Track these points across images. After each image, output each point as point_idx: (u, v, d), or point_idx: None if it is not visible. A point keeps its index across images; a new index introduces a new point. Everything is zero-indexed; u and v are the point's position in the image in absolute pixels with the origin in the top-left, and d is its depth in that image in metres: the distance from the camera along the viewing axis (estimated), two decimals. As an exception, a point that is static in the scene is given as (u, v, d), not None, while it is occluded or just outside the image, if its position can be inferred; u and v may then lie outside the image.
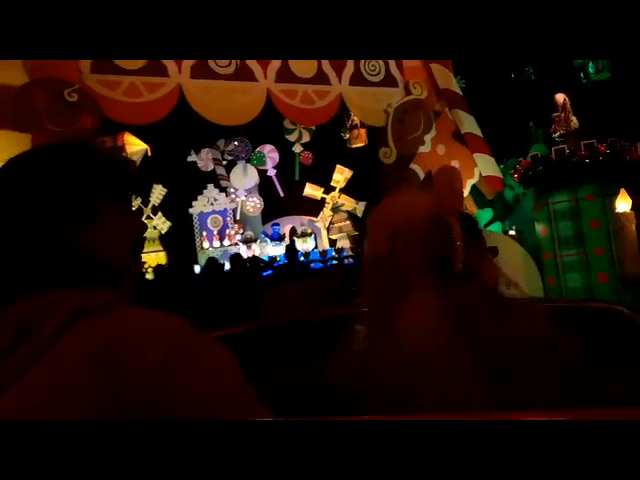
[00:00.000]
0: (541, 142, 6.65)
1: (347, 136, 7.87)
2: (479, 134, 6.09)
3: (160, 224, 7.95)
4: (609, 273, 4.25)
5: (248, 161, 8.77)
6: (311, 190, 8.54)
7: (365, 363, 0.84)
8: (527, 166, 4.70)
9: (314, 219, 8.89)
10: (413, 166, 5.60)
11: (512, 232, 6.27)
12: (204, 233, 8.93)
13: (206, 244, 8.94)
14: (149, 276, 5.09)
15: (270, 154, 8.84)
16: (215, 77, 4.43)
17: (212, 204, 9.00)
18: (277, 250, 8.26)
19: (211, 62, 4.38)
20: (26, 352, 0.52)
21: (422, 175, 5.57)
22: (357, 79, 5.20)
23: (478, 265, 0.88)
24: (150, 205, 7.76)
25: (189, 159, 8.68)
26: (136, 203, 7.17)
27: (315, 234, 8.74)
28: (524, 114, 7.01)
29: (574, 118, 4.55)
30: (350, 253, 7.87)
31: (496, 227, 6.57)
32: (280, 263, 6.96)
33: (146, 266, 5.57)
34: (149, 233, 7.48)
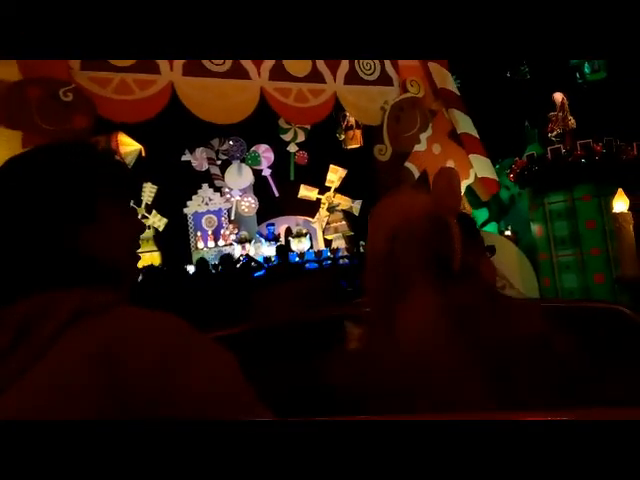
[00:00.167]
0: (537, 142, 6.64)
1: (342, 137, 7.84)
2: (475, 135, 6.07)
3: (156, 222, 7.91)
4: (605, 274, 4.22)
5: (243, 161, 8.72)
6: (306, 191, 8.51)
7: (365, 363, 0.84)
8: (523, 166, 4.67)
9: (311, 220, 8.86)
10: (408, 164, 5.56)
11: (508, 232, 6.25)
12: (198, 233, 8.88)
13: (201, 244, 8.89)
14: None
15: (265, 154, 8.79)
16: (208, 75, 4.38)
17: (207, 204, 8.96)
18: (272, 250, 8.22)
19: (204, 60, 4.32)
20: (26, 352, 0.52)
21: (417, 174, 5.54)
22: (352, 78, 5.16)
23: (476, 264, 0.89)
24: (143, 204, 7.69)
25: (183, 158, 8.62)
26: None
27: (310, 234, 8.70)
28: (520, 114, 7.00)
29: (571, 118, 4.51)
30: (345, 253, 7.85)
31: (491, 227, 6.54)
32: (272, 264, 6.91)
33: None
34: (144, 233, 7.39)
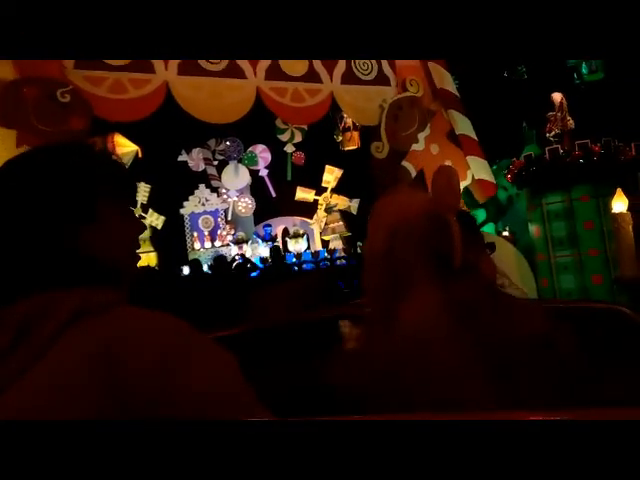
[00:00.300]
0: (534, 143, 6.62)
1: (340, 139, 7.82)
2: (474, 137, 6.05)
3: (154, 220, 7.87)
4: (603, 275, 4.20)
5: (240, 161, 8.69)
6: (303, 194, 8.49)
7: (366, 362, 0.84)
8: (520, 166, 4.64)
9: (309, 221, 8.83)
10: (405, 163, 5.54)
11: (505, 233, 6.24)
12: (195, 234, 8.85)
13: (197, 245, 8.86)
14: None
15: (262, 154, 8.77)
16: (203, 74, 4.33)
17: (203, 204, 8.93)
18: (269, 251, 8.19)
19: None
20: (26, 352, 0.52)
21: (414, 173, 5.52)
22: (349, 77, 5.11)
23: (476, 261, 0.89)
24: (139, 204, 7.65)
25: (180, 159, 8.59)
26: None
27: (307, 235, 8.68)
28: (517, 115, 6.98)
29: (570, 118, 4.49)
30: (342, 254, 7.82)
31: (489, 228, 6.52)
32: (269, 264, 6.88)
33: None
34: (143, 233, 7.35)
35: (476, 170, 5.98)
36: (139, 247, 0.70)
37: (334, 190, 8.46)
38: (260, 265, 6.32)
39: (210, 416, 0.52)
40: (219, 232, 8.81)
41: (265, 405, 0.56)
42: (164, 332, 0.55)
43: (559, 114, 4.51)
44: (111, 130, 5.91)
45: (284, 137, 8.01)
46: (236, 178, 8.79)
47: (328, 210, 8.58)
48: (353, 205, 8.35)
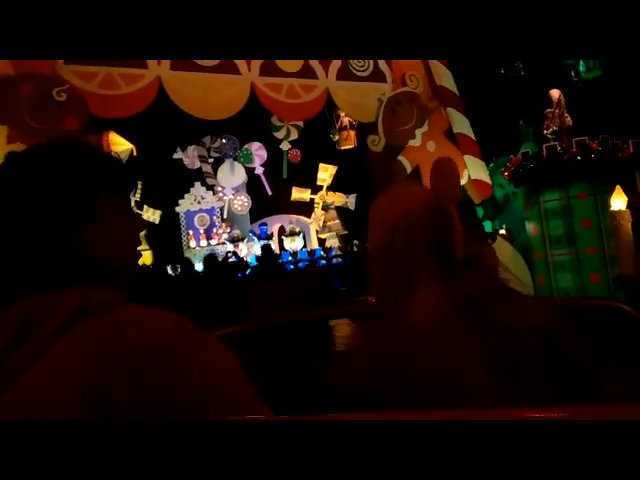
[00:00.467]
0: (531, 140, 6.59)
1: (336, 138, 7.77)
2: (472, 136, 6.02)
3: (151, 216, 7.81)
4: (601, 273, 4.17)
5: (235, 159, 8.64)
6: (298, 194, 8.45)
7: (372, 357, 0.83)
8: (518, 164, 4.61)
9: (307, 220, 8.79)
10: (401, 158, 5.50)
11: (502, 231, 6.20)
12: (190, 232, 8.79)
13: (193, 243, 8.81)
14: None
15: (258, 152, 8.71)
16: (196, 69, 4.27)
17: (199, 202, 8.88)
18: (261, 250, 8.13)
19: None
20: (26, 352, 0.51)
21: (409, 168, 5.48)
22: (344, 74, 5.06)
23: (478, 252, 0.89)
24: (133, 202, 7.59)
25: (175, 156, 8.53)
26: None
27: (304, 233, 8.63)
28: (514, 112, 6.94)
29: (568, 115, 4.45)
30: (339, 252, 7.78)
31: (486, 226, 6.48)
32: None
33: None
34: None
35: (473, 170, 5.94)
36: (139, 245, 0.69)
37: (330, 187, 8.42)
38: (254, 263, 6.28)
39: (211, 414, 0.52)
40: (215, 230, 8.76)
41: (266, 404, 0.56)
42: (165, 330, 0.55)
43: (557, 111, 4.48)
44: (106, 128, 5.86)
45: (280, 134, 7.95)
46: (232, 176, 8.74)
47: (325, 208, 8.54)
48: (350, 201, 8.32)
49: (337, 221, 8.52)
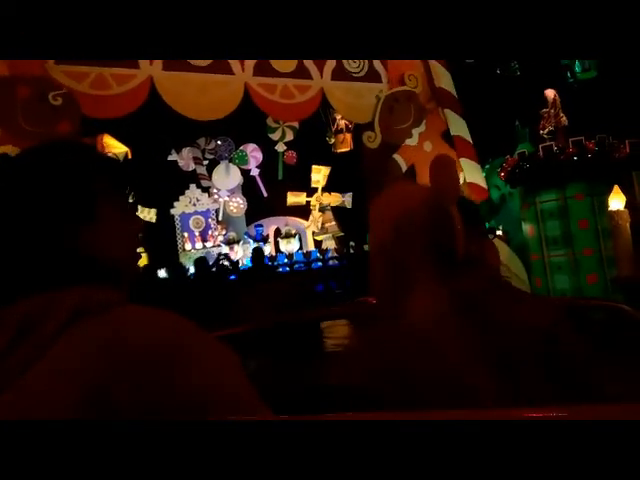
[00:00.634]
0: (527, 141, 6.57)
1: (332, 141, 7.75)
2: (469, 139, 6.00)
3: (147, 215, 7.76)
4: (598, 274, 4.14)
5: (230, 160, 8.59)
6: (294, 198, 8.43)
7: (373, 357, 0.83)
8: (514, 164, 4.58)
9: (304, 222, 8.75)
10: (396, 157, 5.47)
11: (499, 232, 6.17)
12: (185, 234, 8.74)
13: (188, 246, 8.75)
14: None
15: (253, 153, 8.67)
16: (189, 69, 4.22)
17: (194, 205, 8.84)
18: (251, 252, 8.07)
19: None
20: (26, 352, 0.51)
21: (404, 167, 5.45)
22: (339, 74, 5.02)
23: (480, 250, 0.89)
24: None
25: (169, 158, 8.48)
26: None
27: (300, 235, 8.59)
28: (510, 113, 6.93)
29: (563, 115, 4.43)
30: (335, 254, 7.73)
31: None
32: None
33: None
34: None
35: (468, 173, 5.92)
36: (139, 245, 0.69)
37: (325, 188, 8.39)
38: (250, 265, 6.22)
39: (211, 414, 0.51)
40: (210, 232, 8.71)
41: (266, 404, 0.56)
42: (166, 330, 0.55)
43: (552, 111, 4.46)
44: (100, 131, 5.81)
45: (275, 136, 7.91)
46: (227, 178, 8.70)
47: (322, 209, 8.51)
48: (346, 199, 8.29)
49: (333, 223, 8.49)
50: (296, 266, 7.37)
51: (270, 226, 8.95)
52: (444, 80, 5.89)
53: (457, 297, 0.79)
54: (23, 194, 0.59)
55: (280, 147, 8.20)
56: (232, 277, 4.95)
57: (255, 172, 8.81)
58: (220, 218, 9.05)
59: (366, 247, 7.71)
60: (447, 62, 5.98)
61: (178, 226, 8.91)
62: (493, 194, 6.80)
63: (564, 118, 4.40)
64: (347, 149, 7.59)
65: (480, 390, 0.72)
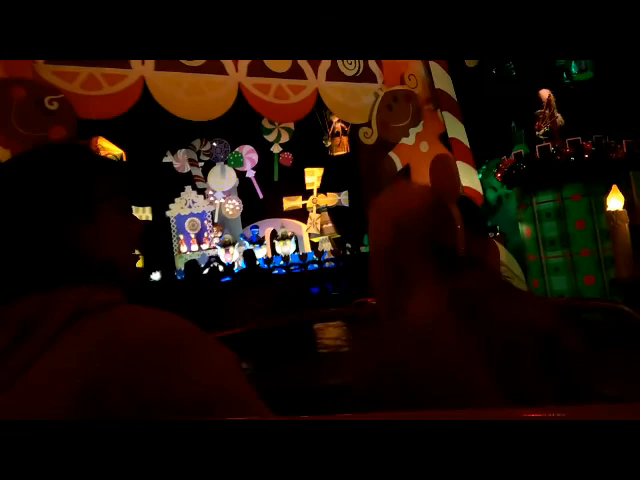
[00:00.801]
0: (523, 143, 6.55)
1: (329, 144, 7.72)
2: (466, 143, 5.97)
3: (142, 214, 7.73)
4: (596, 276, 4.11)
5: (226, 162, 8.56)
6: (290, 202, 8.44)
7: (373, 358, 0.83)
8: (510, 164, 4.54)
9: (301, 223, 8.73)
10: (392, 155, 5.44)
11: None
12: (181, 237, 8.70)
13: (184, 248, 8.71)
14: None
15: (248, 155, 8.64)
16: (182, 69, 4.17)
17: (190, 206, 8.79)
18: (256, 253, 8.05)
19: (179, 55, 4.11)
20: (26, 352, 0.51)
21: (399, 166, 5.43)
22: (334, 74, 4.98)
23: (481, 250, 0.88)
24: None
25: (165, 160, 8.44)
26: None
27: (296, 237, 8.55)
28: (506, 115, 6.91)
29: (559, 115, 4.40)
30: (331, 256, 7.70)
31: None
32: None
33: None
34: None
35: (464, 177, 5.88)
36: (138, 246, 0.69)
37: (320, 189, 8.37)
38: (242, 267, 6.18)
39: (210, 414, 0.52)
40: (206, 235, 8.66)
41: (265, 404, 0.56)
42: (165, 331, 0.55)
43: (547, 111, 4.43)
44: (95, 134, 5.77)
45: (270, 137, 7.87)
46: (223, 179, 8.66)
47: (319, 210, 8.49)
48: (343, 198, 8.28)
49: (330, 225, 8.47)
50: (292, 268, 7.33)
51: (266, 228, 8.91)
52: (444, 83, 5.88)
53: (457, 297, 0.78)
54: (24, 195, 0.59)
55: (276, 148, 8.16)
56: (226, 279, 4.91)
57: (251, 174, 8.77)
58: (216, 220, 9.01)
59: (363, 249, 7.70)
60: (448, 65, 5.96)
61: (173, 228, 8.86)
62: (489, 195, 6.78)
63: (560, 118, 4.37)
64: (344, 152, 7.58)
65: (480, 390, 0.72)
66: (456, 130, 5.94)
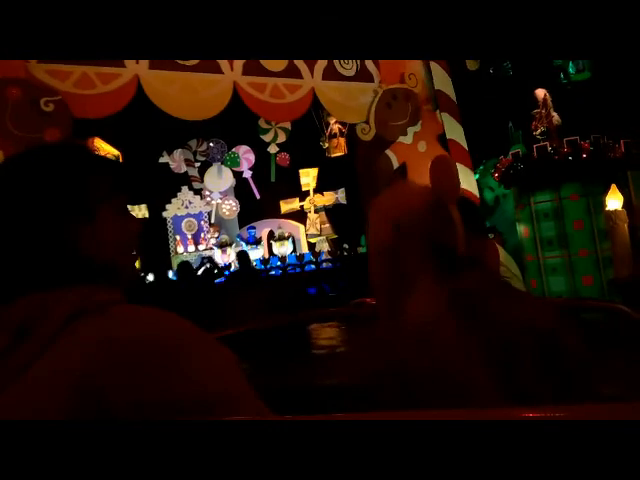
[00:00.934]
0: (521, 143, 6.53)
1: (326, 145, 7.71)
2: (464, 145, 5.95)
3: (138, 212, 7.70)
4: (594, 276, 4.08)
5: (223, 162, 8.53)
6: (288, 205, 8.44)
7: (373, 357, 0.83)
8: (508, 164, 4.52)
9: (299, 225, 8.72)
10: (389, 152, 5.42)
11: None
12: (178, 237, 8.66)
13: (180, 248, 8.67)
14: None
15: (245, 155, 8.61)
16: (176, 68, 4.13)
17: (187, 207, 8.76)
18: (253, 254, 8.03)
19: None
20: (26, 352, 0.52)
21: (396, 164, 5.40)
22: (330, 73, 4.94)
23: (481, 250, 0.89)
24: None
25: (161, 160, 8.40)
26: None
27: (293, 237, 8.53)
28: (503, 115, 6.90)
29: (555, 114, 4.38)
30: (328, 257, 7.67)
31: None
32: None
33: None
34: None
35: (461, 179, 5.83)
36: (137, 245, 0.69)
37: (316, 189, 8.36)
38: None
39: (210, 414, 0.52)
40: (202, 235, 8.63)
41: (265, 403, 0.56)
42: (164, 330, 0.55)
43: (543, 111, 4.41)
44: (90, 135, 5.73)
45: (267, 137, 7.83)
46: (219, 180, 8.63)
47: (318, 210, 8.47)
48: (340, 196, 8.26)
49: (327, 225, 8.45)
50: (289, 269, 7.31)
51: (263, 228, 8.88)
52: (444, 84, 5.87)
53: (457, 297, 0.78)
54: (24, 194, 0.59)
55: (272, 149, 8.13)
56: (220, 280, 4.87)
57: (247, 174, 8.74)
58: (212, 221, 8.98)
59: (360, 249, 7.68)
60: (449, 67, 5.95)
61: (170, 229, 8.82)
62: (487, 195, 6.76)
63: (556, 117, 4.35)
64: (341, 153, 7.57)
65: (480, 390, 0.72)
66: (454, 132, 5.92)
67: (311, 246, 8.60)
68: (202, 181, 8.64)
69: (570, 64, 7.75)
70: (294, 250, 8.41)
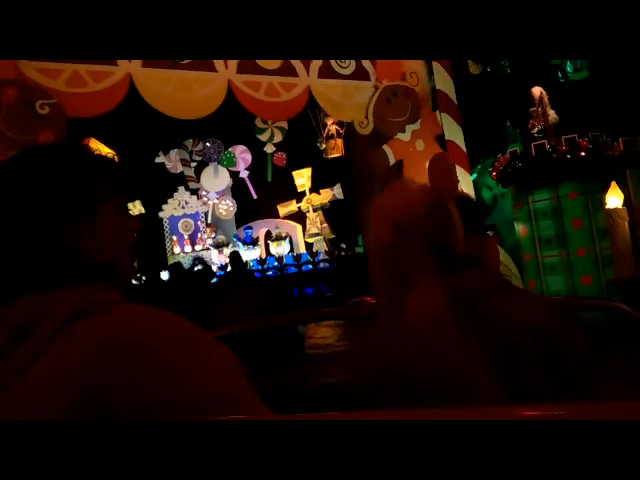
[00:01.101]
0: (519, 142, 6.50)
1: (323, 146, 7.68)
2: (462, 147, 5.91)
3: (133, 209, 7.67)
4: (593, 275, 4.04)
5: (219, 162, 8.49)
6: (285, 208, 8.46)
7: (373, 357, 0.83)
8: (506, 163, 4.48)
9: (296, 225, 8.71)
10: (386, 148, 5.38)
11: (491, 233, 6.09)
12: (174, 238, 8.63)
13: (177, 249, 8.63)
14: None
15: (242, 155, 8.57)
16: (170, 67, 4.05)
17: (183, 207, 8.73)
18: (250, 254, 8.00)
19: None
20: (26, 351, 0.51)
21: (392, 160, 5.37)
22: (326, 71, 4.87)
23: (480, 248, 0.89)
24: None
25: (157, 160, 8.36)
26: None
27: (290, 237, 8.50)
28: (500, 114, 6.87)
29: (552, 112, 4.34)
30: (326, 257, 7.64)
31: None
32: (251, 268, 6.66)
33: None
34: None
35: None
36: (137, 245, 0.69)
37: (312, 189, 8.34)
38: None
39: (210, 414, 0.51)
40: (199, 235, 8.59)
41: (265, 403, 0.56)
42: (165, 330, 0.55)
43: (540, 109, 4.37)
44: (85, 135, 5.68)
45: (264, 137, 7.79)
46: (216, 180, 8.60)
47: (316, 209, 8.46)
48: (337, 191, 8.25)
49: (325, 225, 8.43)
50: (286, 269, 7.28)
51: (260, 229, 8.84)
52: (445, 84, 5.82)
53: (457, 295, 0.78)
54: (24, 194, 0.59)
55: (269, 148, 8.09)
56: (216, 280, 4.83)
57: (244, 174, 8.70)
58: (209, 221, 8.95)
59: (357, 249, 7.64)
60: (451, 68, 5.91)
61: (167, 229, 8.78)
62: (485, 195, 6.72)
63: (552, 115, 4.31)
64: (338, 154, 7.55)
65: (480, 389, 0.72)
66: (454, 133, 5.88)
67: (308, 246, 8.57)
68: (198, 181, 8.60)
69: (568, 63, 7.72)
70: (291, 250, 8.37)
